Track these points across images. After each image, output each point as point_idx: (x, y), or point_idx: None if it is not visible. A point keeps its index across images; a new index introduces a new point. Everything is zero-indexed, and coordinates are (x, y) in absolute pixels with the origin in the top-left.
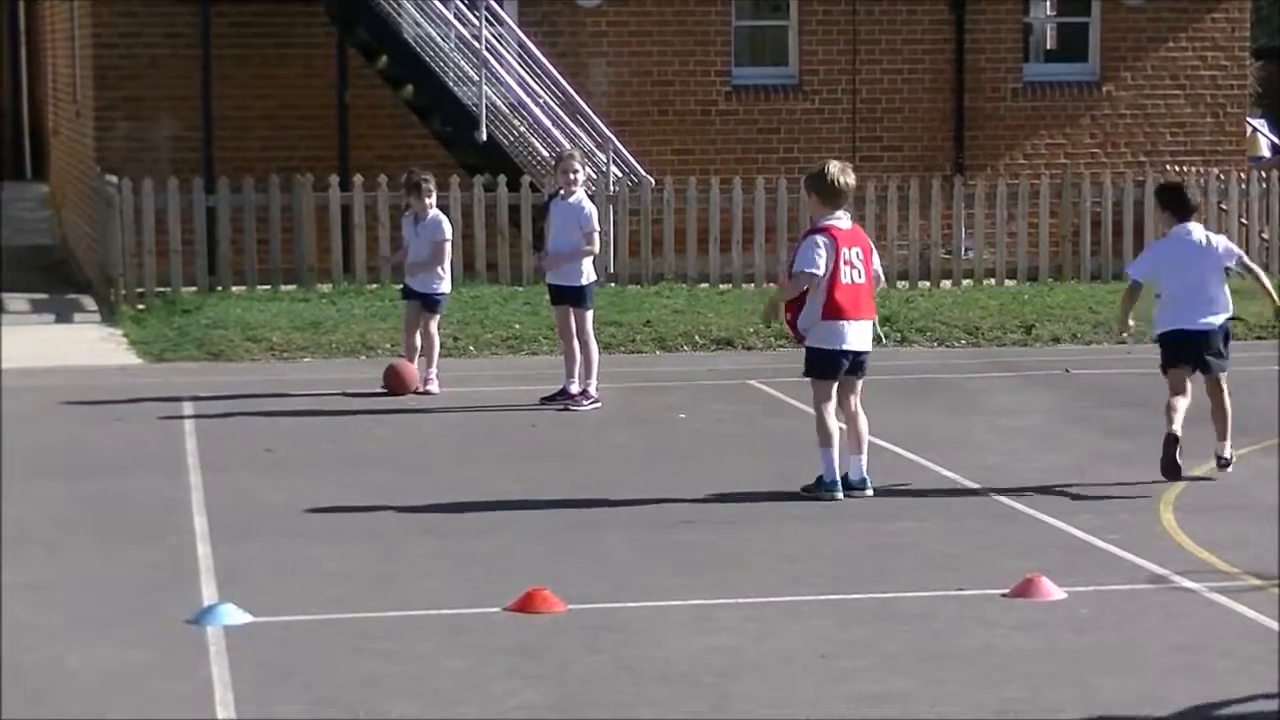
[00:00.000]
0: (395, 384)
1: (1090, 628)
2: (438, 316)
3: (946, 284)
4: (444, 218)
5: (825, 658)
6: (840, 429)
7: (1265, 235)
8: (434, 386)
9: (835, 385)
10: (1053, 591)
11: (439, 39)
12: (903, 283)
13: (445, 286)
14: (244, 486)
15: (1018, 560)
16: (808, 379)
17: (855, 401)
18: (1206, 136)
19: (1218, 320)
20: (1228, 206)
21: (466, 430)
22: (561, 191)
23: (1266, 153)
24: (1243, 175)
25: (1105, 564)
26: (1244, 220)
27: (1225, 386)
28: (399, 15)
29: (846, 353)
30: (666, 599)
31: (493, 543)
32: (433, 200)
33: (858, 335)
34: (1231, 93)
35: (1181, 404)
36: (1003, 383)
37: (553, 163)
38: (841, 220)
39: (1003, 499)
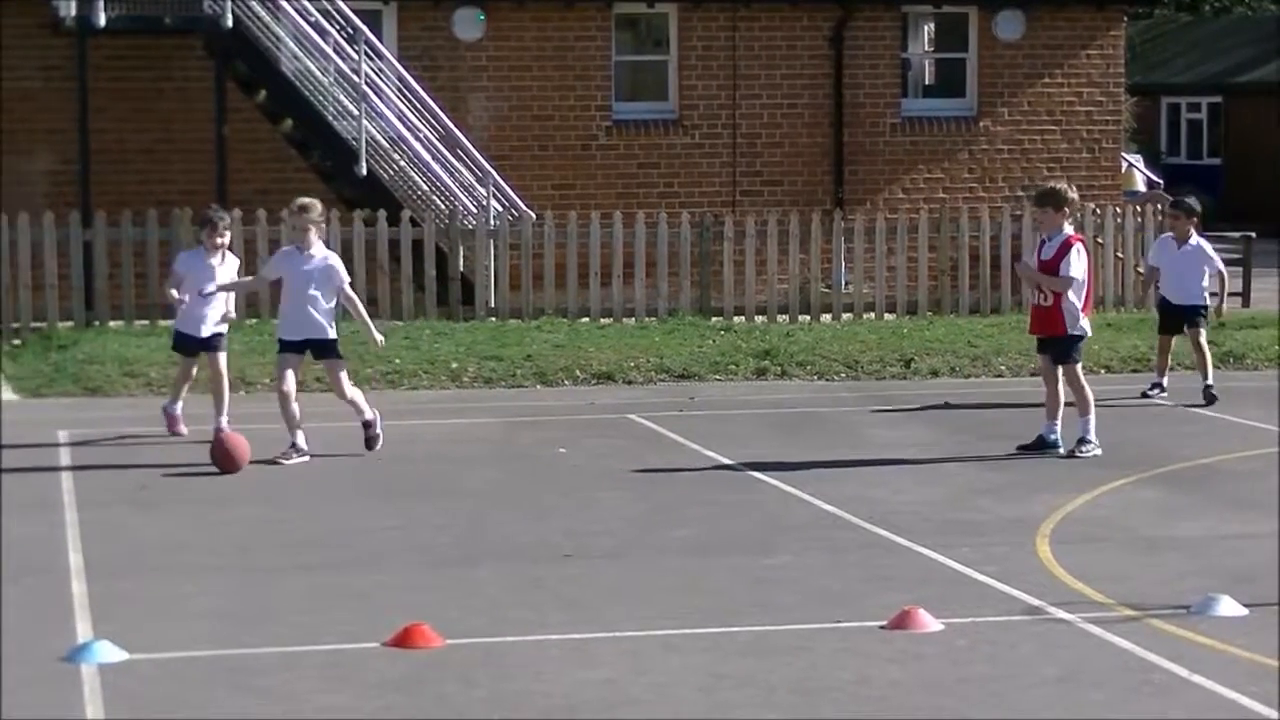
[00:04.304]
0: (224, 461)
1: (966, 659)
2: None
3: (826, 318)
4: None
5: (703, 691)
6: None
7: (1140, 269)
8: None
9: None
10: (929, 623)
11: (318, 73)
12: (783, 317)
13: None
14: (120, 523)
15: (895, 593)
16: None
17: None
18: (1082, 171)
19: None
20: (1104, 240)
21: (344, 465)
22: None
23: (1142, 187)
24: (1118, 210)
25: (982, 596)
26: (1120, 254)
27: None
28: (277, 49)
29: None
30: (544, 633)
31: (370, 578)
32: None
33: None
34: (1106, 128)
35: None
36: (882, 416)
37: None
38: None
39: (881, 531)
